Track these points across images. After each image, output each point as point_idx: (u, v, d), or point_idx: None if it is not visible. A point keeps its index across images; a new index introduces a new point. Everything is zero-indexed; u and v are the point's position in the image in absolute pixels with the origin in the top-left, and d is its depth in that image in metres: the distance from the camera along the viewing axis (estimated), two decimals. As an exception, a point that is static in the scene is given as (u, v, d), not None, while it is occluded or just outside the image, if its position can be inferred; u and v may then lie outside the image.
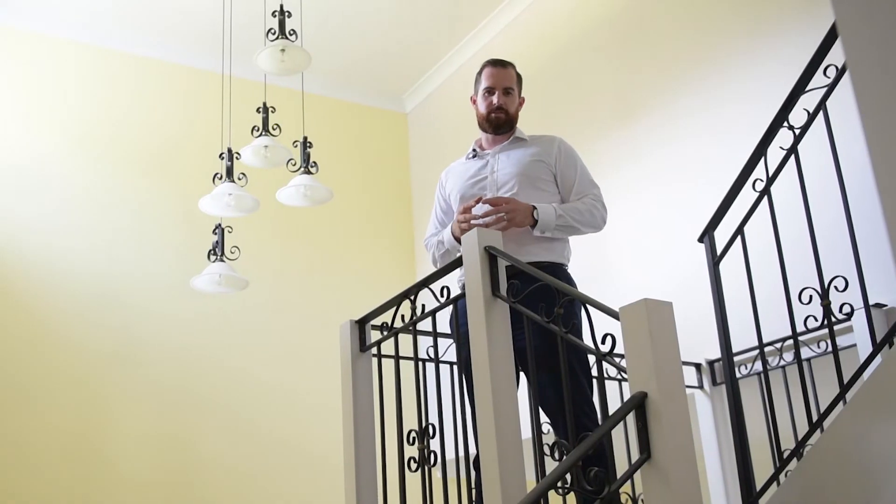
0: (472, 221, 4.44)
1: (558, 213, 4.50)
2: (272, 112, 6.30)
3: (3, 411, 7.31)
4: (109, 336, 7.90)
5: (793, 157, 4.27)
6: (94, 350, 7.79)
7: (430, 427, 4.10)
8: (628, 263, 6.92)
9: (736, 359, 4.74)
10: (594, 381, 4.13)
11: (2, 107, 8.12)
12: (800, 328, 4.17)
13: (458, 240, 4.65)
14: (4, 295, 7.63)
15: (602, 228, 4.72)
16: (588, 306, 3.37)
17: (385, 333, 4.48)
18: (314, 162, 6.22)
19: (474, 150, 4.89)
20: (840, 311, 4.01)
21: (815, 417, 4.12)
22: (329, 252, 9.28)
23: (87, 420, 7.60)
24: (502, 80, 4.79)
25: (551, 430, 4.21)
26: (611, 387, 4.15)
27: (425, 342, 4.48)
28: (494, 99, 4.76)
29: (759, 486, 4.32)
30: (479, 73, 4.88)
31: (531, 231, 4.49)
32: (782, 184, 4.38)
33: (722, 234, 4.62)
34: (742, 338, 4.74)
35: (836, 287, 4.00)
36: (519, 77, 4.91)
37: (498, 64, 4.85)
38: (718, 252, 4.63)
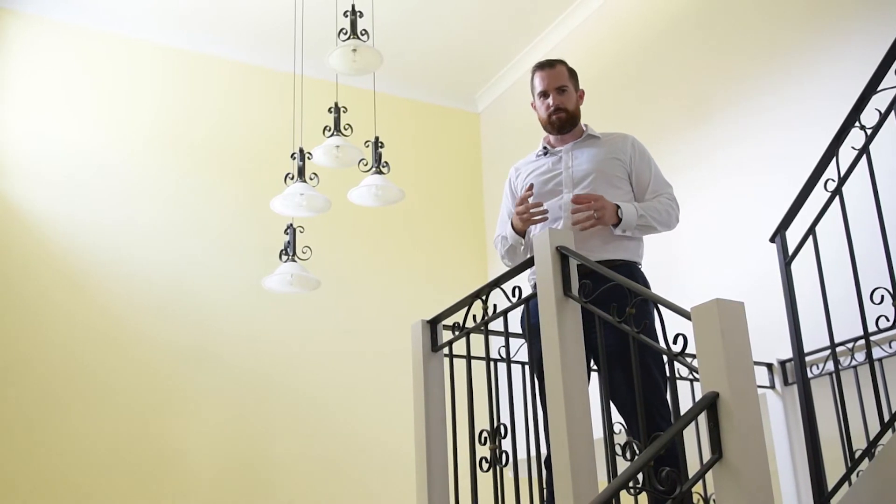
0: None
1: (639, 213, 4.49)
2: (344, 112, 6.31)
3: (79, 406, 7.46)
4: (182, 335, 8.02)
5: (864, 156, 4.26)
6: (167, 350, 7.92)
7: (502, 427, 4.10)
8: (700, 263, 6.89)
9: (808, 359, 4.73)
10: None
11: (83, 109, 8.29)
12: (871, 328, 4.16)
13: (519, 233, 4.67)
14: (81, 292, 7.78)
15: (674, 227, 4.71)
16: (660, 306, 3.38)
17: (457, 333, 4.47)
18: (386, 162, 6.22)
19: (545, 147, 4.86)
20: (912, 311, 3.99)
21: (886, 417, 4.11)
22: (400, 252, 9.34)
23: (159, 418, 7.73)
24: (554, 80, 4.77)
25: (623, 429, 4.21)
26: (682, 387, 4.15)
27: (497, 342, 4.50)
28: (550, 101, 4.75)
29: (830, 486, 4.31)
30: (532, 79, 4.87)
31: (609, 230, 4.49)
32: (854, 183, 4.37)
33: (794, 234, 4.61)
34: (814, 338, 4.73)
35: (908, 287, 3.99)
36: (572, 72, 4.86)
37: (546, 65, 4.83)
38: (790, 252, 4.62)
